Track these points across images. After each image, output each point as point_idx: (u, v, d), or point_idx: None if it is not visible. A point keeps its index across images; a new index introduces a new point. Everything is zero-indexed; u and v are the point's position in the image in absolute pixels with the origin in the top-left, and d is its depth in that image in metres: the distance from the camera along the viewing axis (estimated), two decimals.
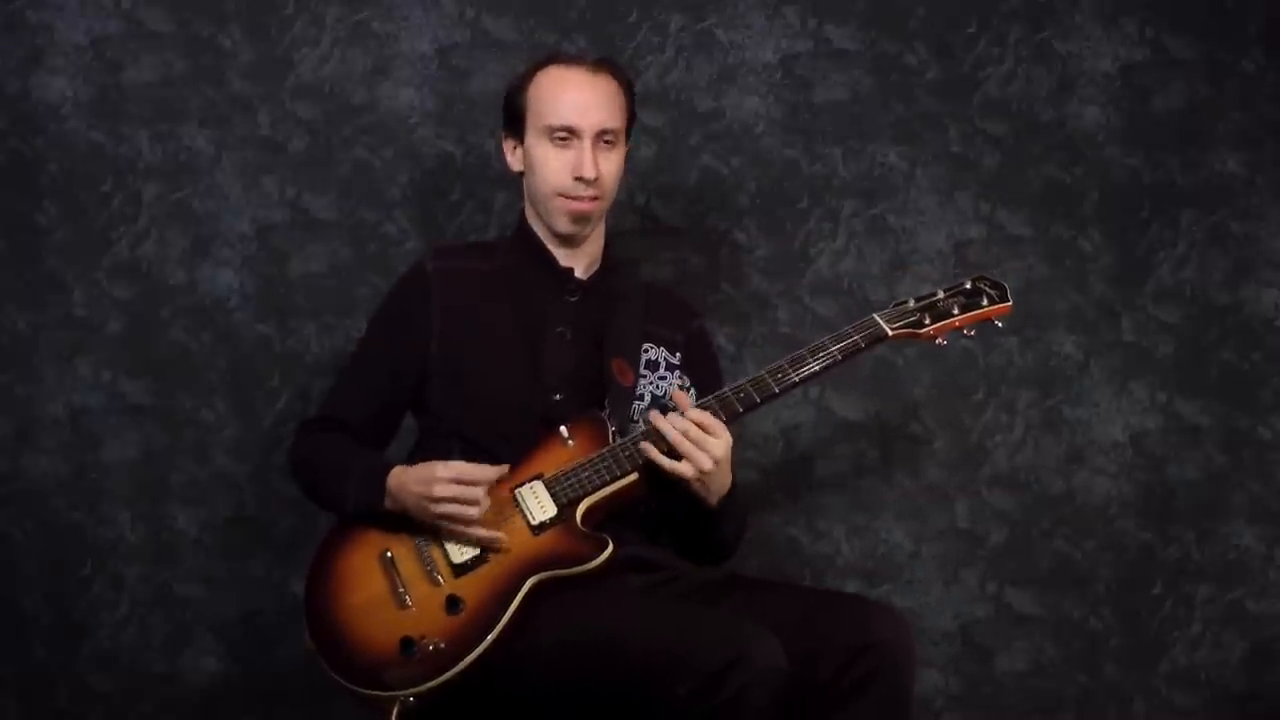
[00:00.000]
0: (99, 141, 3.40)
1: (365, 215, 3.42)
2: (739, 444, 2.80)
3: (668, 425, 2.67)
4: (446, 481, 2.63)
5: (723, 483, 2.72)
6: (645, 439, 2.69)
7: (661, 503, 2.79)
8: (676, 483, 2.70)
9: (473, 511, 2.63)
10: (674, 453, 2.68)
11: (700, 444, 2.67)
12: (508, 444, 2.74)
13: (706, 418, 2.68)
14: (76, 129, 3.40)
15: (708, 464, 2.67)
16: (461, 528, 2.65)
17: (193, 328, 3.42)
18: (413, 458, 2.84)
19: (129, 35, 3.40)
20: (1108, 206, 3.43)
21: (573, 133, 2.80)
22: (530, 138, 2.84)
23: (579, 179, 2.79)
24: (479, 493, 2.63)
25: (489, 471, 2.65)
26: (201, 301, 3.42)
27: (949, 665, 3.43)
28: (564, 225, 2.85)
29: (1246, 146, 3.42)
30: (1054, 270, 3.43)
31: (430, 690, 2.57)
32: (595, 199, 2.83)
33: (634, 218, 3.40)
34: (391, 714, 2.58)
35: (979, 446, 3.44)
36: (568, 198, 2.82)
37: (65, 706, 3.41)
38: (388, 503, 2.69)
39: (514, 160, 2.90)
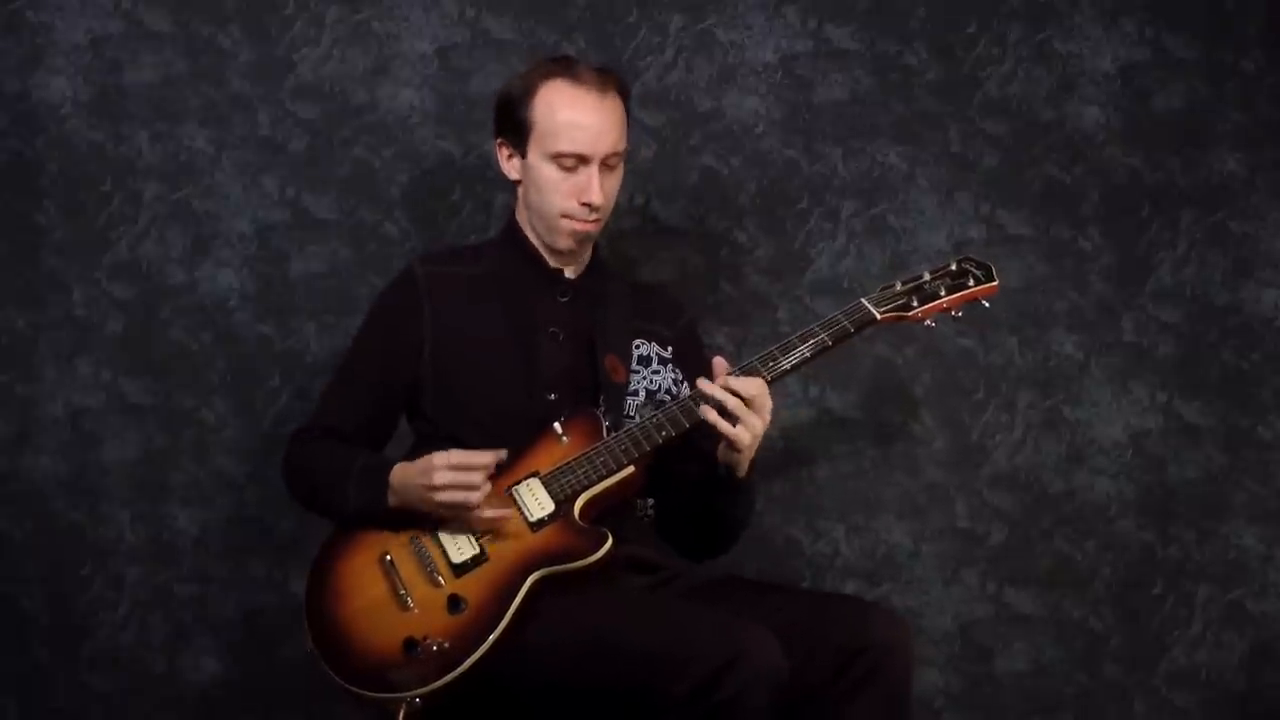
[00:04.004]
0: (99, 141, 3.41)
1: (365, 215, 3.42)
2: None
3: (722, 392, 2.64)
4: (444, 469, 2.63)
5: (754, 451, 2.71)
6: (700, 404, 2.65)
7: (665, 498, 2.79)
8: (674, 476, 2.70)
9: (474, 496, 2.63)
10: (728, 418, 2.65)
11: (759, 410, 2.65)
12: (504, 446, 2.73)
13: (758, 382, 2.66)
14: (76, 129, 3.40)
15: (760, 426, 2.65)
16: (464, 514, 2.65)
17: (193, 328, 3.42)
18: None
19: (129, 35, 3.40)
20: (1108, 206, 3.43)
21: (581, 160, 2.79)
22: (534, 156, 2.82)
23: (585, 204, 2.79)
24: (478, 478, 2.63)
25: (486, 456, 2.64)
26: (201, 301, 3.42)
27: (949, 665, 3.43)
28: (565, 244, 2.85)
29: (1246, 146, 3.42)
30: (1054, 270, 3.43)
31: (436, 690, 2.57)
32: (598, 220, 2.83)
33: (634, 218, 3.40)
34: (399, 716, 2.59)
35: (979, 446, 3.43)
36: (572, 219, 2.81)
37: (65, 706, 3.41)
38: (391, 499, 2.69)
39: (510, 168, 2.88)
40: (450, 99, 3.42)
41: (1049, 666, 3.43)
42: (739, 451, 2.68)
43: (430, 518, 2.68)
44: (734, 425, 2.65)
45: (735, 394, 2.64)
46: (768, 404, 2.67)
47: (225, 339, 3.42)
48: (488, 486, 2.64)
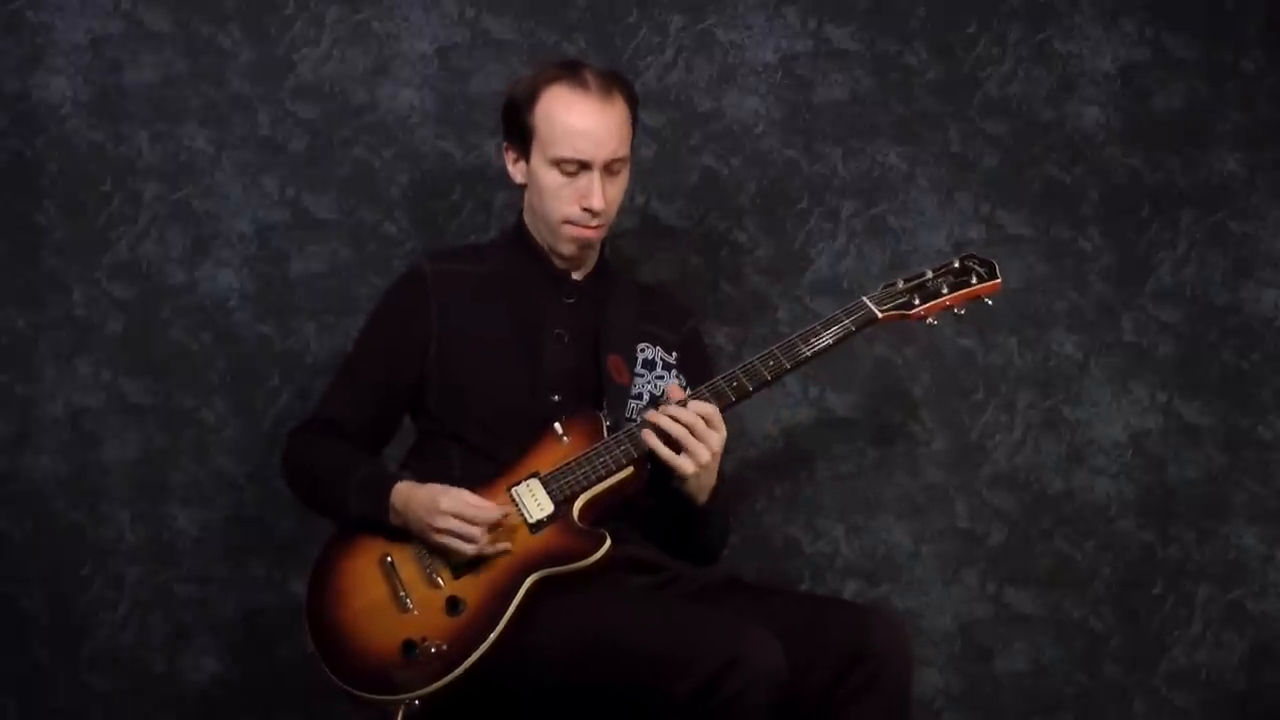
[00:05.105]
0: (99, 141, 3.41)
1: (365, 215, 3.42)
2: (739, 442, 2.80)
3: (667, 420, 2.67)
4: (448, 515, 2.63)
5: (711, 480, 2.73)
6: (644, 430, 2.68)
7: (656, 501, 2.79)
8: (670, 475, 2.69)
9: (470, 548, 2.64)
10: (673, 445, 2.67)
11: (702, 437, 2.67)
12: (506, 445, 2.74)
13: (709, 409, 2.68)
14: (76, 129, 3.40)
15: (706, 456, 2.67)
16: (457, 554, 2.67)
17: (193, 328, 3.42)
18: (410, 460, 2.85)
19: (129, 35, 3.40)
20: (1108, 206, 3.43)
21: (583, 165, 2.77)
22: (536, 161, 2.80)
23: (587, 209, 2.78)
24: (479, 531, 2.63)
25: (491, 513, 2.64)
26: (201, 301, 3.42)
27: (949, 665, 3.43)
28: (568, 250, 2.84)
29: (1246, 146, 3.41)
30: (1054, 270, 3.43)
31: (434, 692, 2.58)
32: (600, 226, 2.82)
33: (634, 218, 3.40)
34: (397, 718, 2.59)
35: (979, 446, 3.43)
36: (574, 224, 2.81)
37: (65, 706, 3.41)
38: (392, 518, 2.69)
39: (516, 172, 2.86)
40: (450, 99, 3.42)
41: (1049, 666, 3.43)
42: (684, 480, 2.69)
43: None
44: (677, 453, 2.66)
45: (680, 421, 2.66)
46: (713, 433, 2.67)
47: (225, 339, 3.42)
48: (485, 538, 2.64)
